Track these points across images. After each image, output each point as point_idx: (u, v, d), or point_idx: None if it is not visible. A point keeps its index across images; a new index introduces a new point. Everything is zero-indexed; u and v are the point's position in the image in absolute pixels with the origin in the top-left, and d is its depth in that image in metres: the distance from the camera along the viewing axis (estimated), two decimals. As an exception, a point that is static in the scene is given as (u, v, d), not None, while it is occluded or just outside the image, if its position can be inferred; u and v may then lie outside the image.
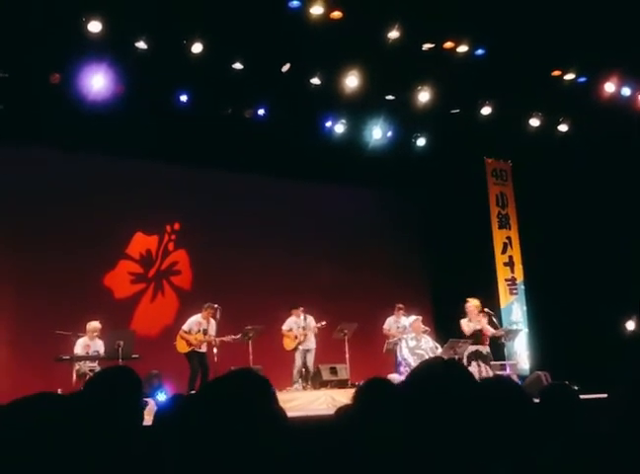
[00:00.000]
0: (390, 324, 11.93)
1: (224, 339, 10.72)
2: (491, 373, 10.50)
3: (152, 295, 12.48)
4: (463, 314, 11.33)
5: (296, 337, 11.45)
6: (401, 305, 12.03)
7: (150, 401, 7.78)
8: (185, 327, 10.78)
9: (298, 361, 11.43)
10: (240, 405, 1.45)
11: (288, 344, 11.49)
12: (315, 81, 11.21)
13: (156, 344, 11.43)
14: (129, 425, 2.10)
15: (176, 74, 10.76)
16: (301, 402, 10.29)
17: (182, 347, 10.72)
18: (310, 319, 11.61)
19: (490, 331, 11.28)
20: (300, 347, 11.46)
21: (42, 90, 10.21)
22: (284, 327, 11.54)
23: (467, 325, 11.17)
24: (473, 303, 11.35)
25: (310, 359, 11.54)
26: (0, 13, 8.75)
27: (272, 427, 1.41)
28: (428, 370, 1.71)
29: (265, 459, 1.41)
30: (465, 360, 10.81)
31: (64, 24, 9.24)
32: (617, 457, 1.88)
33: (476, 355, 10.88)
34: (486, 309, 11.60)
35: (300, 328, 11.54)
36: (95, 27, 9.30)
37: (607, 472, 1.85)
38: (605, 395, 2.25)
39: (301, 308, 11.61)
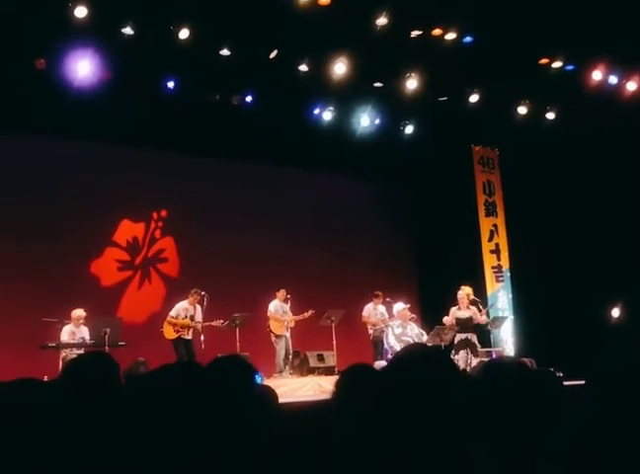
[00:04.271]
0: (369, 311, 11.90)
1: (212, 323, 10.73)
2: (475, 362, 10.54)
3: (139, 283, 12.45)
4: (455, 302, 11.37)
5: (284, 322, 11.45)
6: (379, 293, 11.98)
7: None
8: (172, 313, 10.78)
9: (282, 349, 11.41)
10: (220, 384, 1.46)
11: (277, 328, 11.47)
12: (303, 68, 11.17)
13: (143, 331, 11.43)
14: (107, 409, 2.10)
15: (163, 60, 10.68)
16: (288, 389, 10.32)
17: (169, 333, 10.72)
18: (288, 307, 11.63)
19: (481, 319, 11.27)
20: (286, 333, 11.48)
21: (28, 76, 10.11)
22: (271, 308, 11.51)
23: (453, 314, 11.18)
24: (465, 291, 11.38)
25: (290, 345, 11.57)
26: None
27: (253, 406, 1.41)
28: (410, 356, 1.72)
29: (246, 437, 1.42)
30: (454, 348, 10.87)
31: (50, 9, 9.16)
32: (597, 443, 1.90)
33: (465, 344, 10.94)
34: (472, 296, 11.65)
35: (286, 313, 11.54)
36: (81, 12, 9.21)
37: (590, 458, 1.87)
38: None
39: (283, 290, 11.58)
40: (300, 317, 11.58)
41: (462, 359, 10.66)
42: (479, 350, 11.15)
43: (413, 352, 1.75)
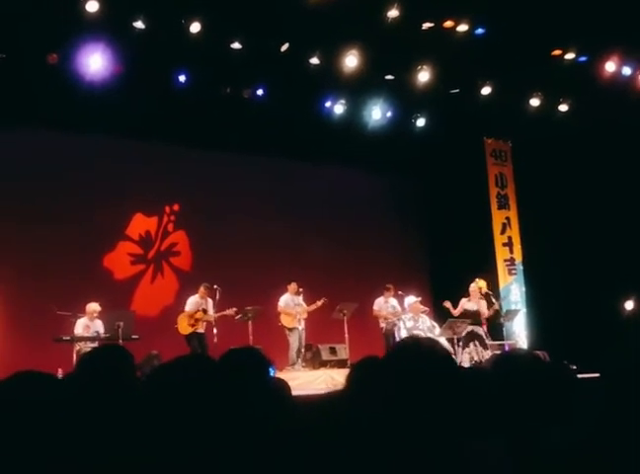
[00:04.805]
0: (380, 305, 11.87)
1: (225, 313, 10.74)
2: (486, 354, 10.55)
3: (152, 276, 12.50)
4: (467, 293, 11.38)
5: (296, 315, 11.46)
6: (390, 286, 11.94)
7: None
8: (187, 308, 10.81)
9: (295, 342, 11.42)
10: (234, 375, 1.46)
11: (288, 321, 11.48)
12: (314, 61, 11.15)
13: (156, 324, 11.47)
14: (123, 400, 2.11)
15: (174, 54, 10.69)
16: (301, 382, 10.34)
17: (184, 328, 10.73)
18: (301, 299, 11.62)
19: (486, 313, 11.31)
20: (299, 326, 11.48)
21: (40, 70, 10.15)
22: (281, 303, 11.51)
23: (462, 305, 11.20)
24: (478, 284, 11.39)
25: (303, 338, 11.59)
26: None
27: (266, 396, 1.42)
28: (401, 350, 1.73)
29: (257, 428, 1.42)
30: (462, 342, 10.87)
31: (61, 3, 9.18)
32: (608, 437, 1.90)
33: (472, 336, 10.93)
34: (484, 290, 11.65)
35: (298, 305, 11.54)
36: (92, 6, 9.24)
37: (600, 452, 1.87)
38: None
39: (294, 283, 11.57)
40: (313, 307, 11.56)
41: (474, 352, 10.66)
42: (488, 342, 11.15)
43: (405, 345, 1.75)
